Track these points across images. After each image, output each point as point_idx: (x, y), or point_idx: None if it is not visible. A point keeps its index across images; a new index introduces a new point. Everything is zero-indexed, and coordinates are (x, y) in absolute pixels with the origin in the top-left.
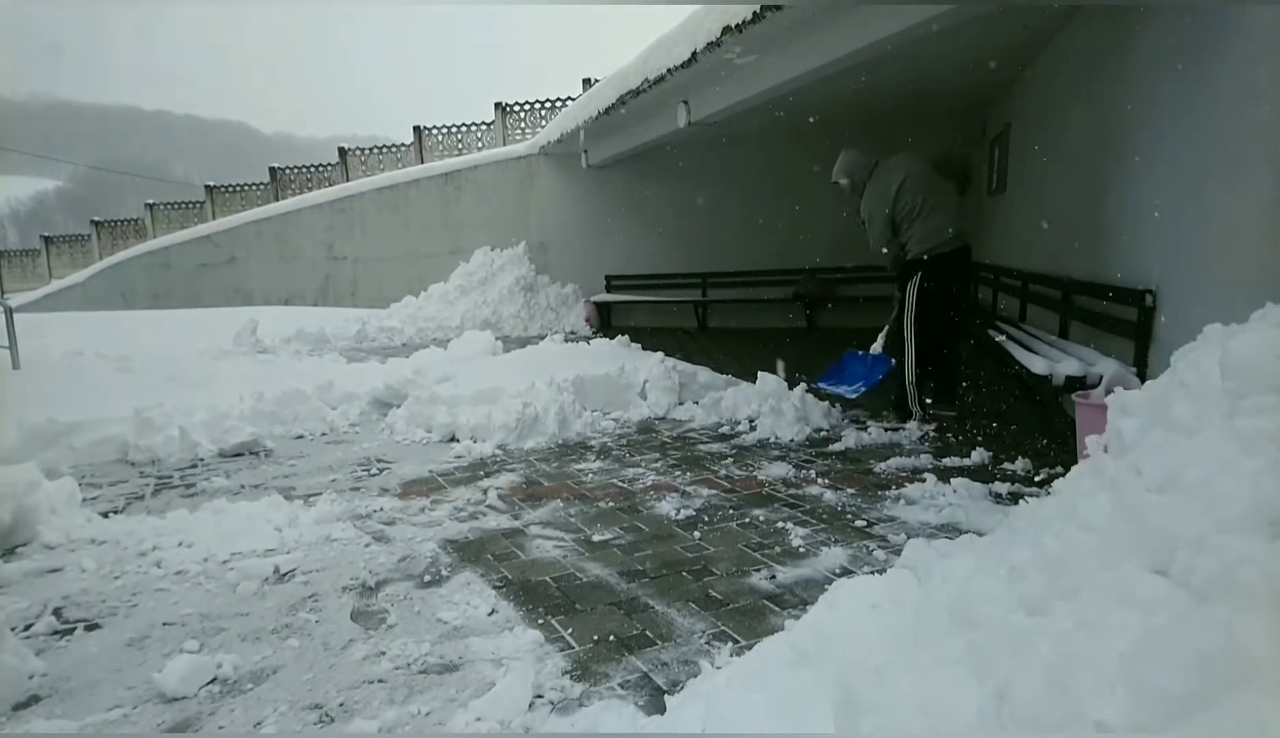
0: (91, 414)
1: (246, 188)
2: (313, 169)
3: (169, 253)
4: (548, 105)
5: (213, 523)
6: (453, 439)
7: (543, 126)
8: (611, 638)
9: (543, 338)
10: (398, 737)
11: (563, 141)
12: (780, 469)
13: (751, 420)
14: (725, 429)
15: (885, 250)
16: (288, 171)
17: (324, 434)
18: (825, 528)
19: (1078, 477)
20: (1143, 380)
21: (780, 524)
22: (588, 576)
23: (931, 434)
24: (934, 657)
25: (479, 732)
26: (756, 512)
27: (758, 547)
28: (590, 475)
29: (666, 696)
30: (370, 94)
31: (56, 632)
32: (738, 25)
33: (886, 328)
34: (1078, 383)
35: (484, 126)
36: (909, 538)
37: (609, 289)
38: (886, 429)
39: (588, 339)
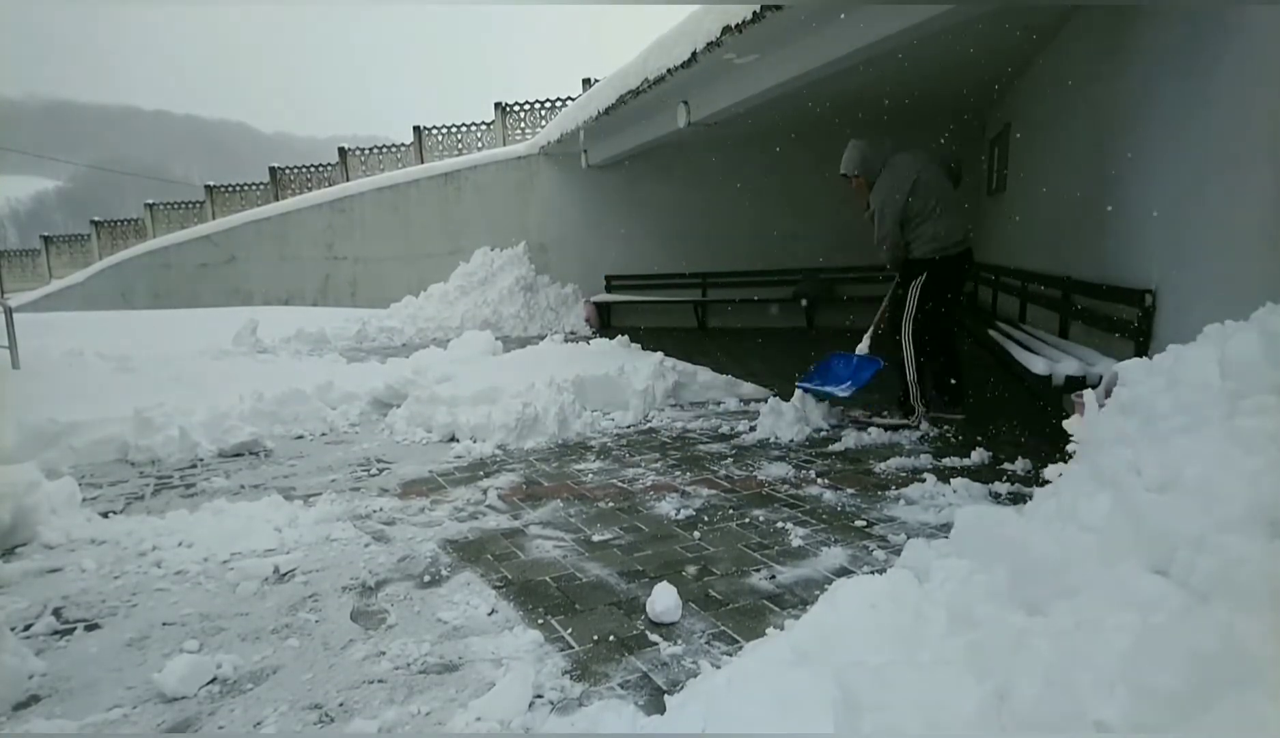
0: (91, 414)
1: (246, 188)
2: (312, 169)
3: (169, 253)
4: (548, 105)
5: (213, 523)
6: (453, 439)
7: (543, 127)
8: (611, 638)
9: (543, 338)
10: (398, 737)
11: (563, 142)
12: (780, 469)
13: (751, 422)
14: (725, 429)
15: (887, 247)
16: (287, 171)
17: (324, 434)
18: (825, 528)
19: (1076, 475)
20: None
21: (780, 524)
22: (588, 576)
23: (932, 434)
24: (934, 657)
25: (479, 732)
26: (756, 512)
27: (758, 547)
28: (590, 475)
29: (666, 696)
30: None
31: (56, 632)
32: (738, 25)
33: (872, 329)
34: (1078, 383)
35: (484, 127)
36: (909, 538)
37: (609, 289)
38: (888, 428)
39: (588, 339)
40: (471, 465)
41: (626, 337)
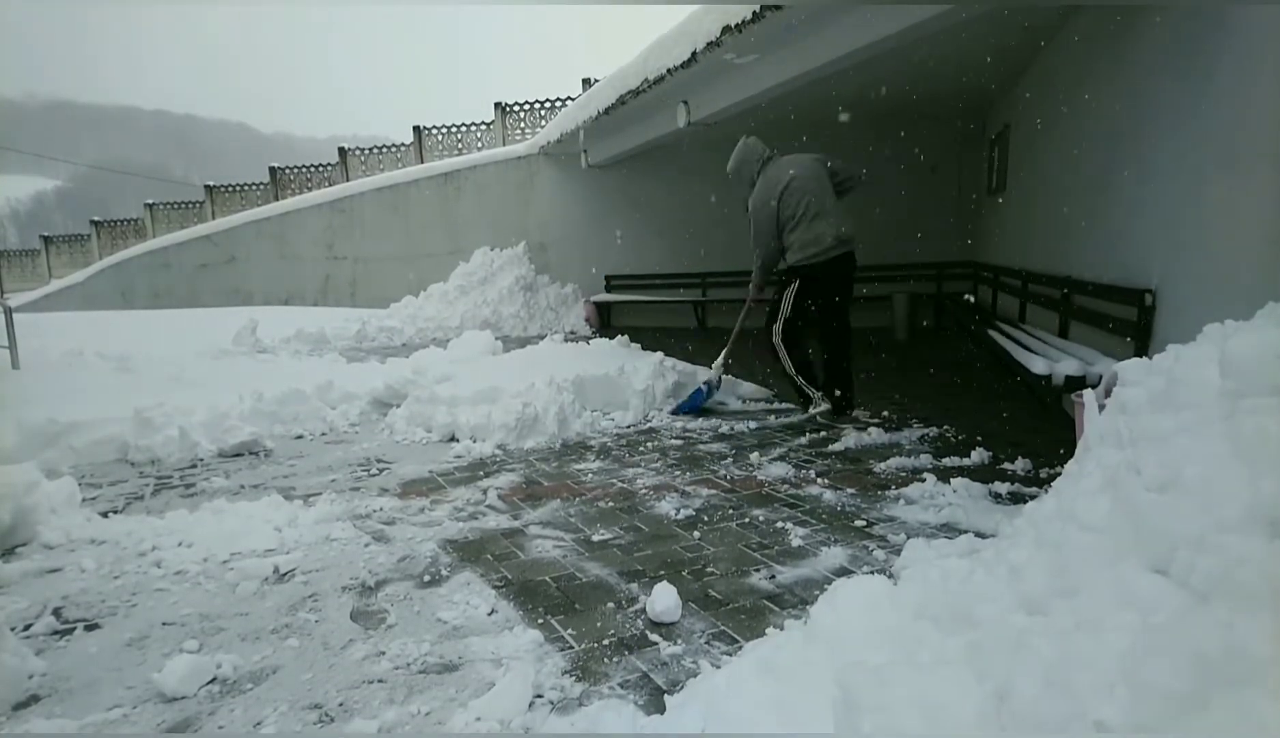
0: (91, 414)
1: (246, 188)
2: (312, 169)
3: (169, 253)
4: (548, 105)
5: (212, 523)
6: (452, 439)
7: (543, 126)
8: (611, 638)
9: (542, 338)
10: (397, 737)
11: (563, 142)
12: (780, 469)
13: (752, 423)
14: (725, 429)
15: (757, 256)
16: (287, 171)
17: (324, 434)
18: (825, 528)
19: (1076, 475)
20: None
21: (780, 524)
22: (587, 575)
23: (931, 435)
24: (934, 657)
25: (479, 732)
26: (756, 512)
27: (757, 547)
28: (590, 475)
29: (666, 696)
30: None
31: (56, 632)
32: (737, 25)
33: (726, 349)
34: (1078, 383)
35: (484, 126)
36: (909, 538)
37: (609, 289)
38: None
39: (587, 339)
40: (471, 465)
41: (626, 336)
